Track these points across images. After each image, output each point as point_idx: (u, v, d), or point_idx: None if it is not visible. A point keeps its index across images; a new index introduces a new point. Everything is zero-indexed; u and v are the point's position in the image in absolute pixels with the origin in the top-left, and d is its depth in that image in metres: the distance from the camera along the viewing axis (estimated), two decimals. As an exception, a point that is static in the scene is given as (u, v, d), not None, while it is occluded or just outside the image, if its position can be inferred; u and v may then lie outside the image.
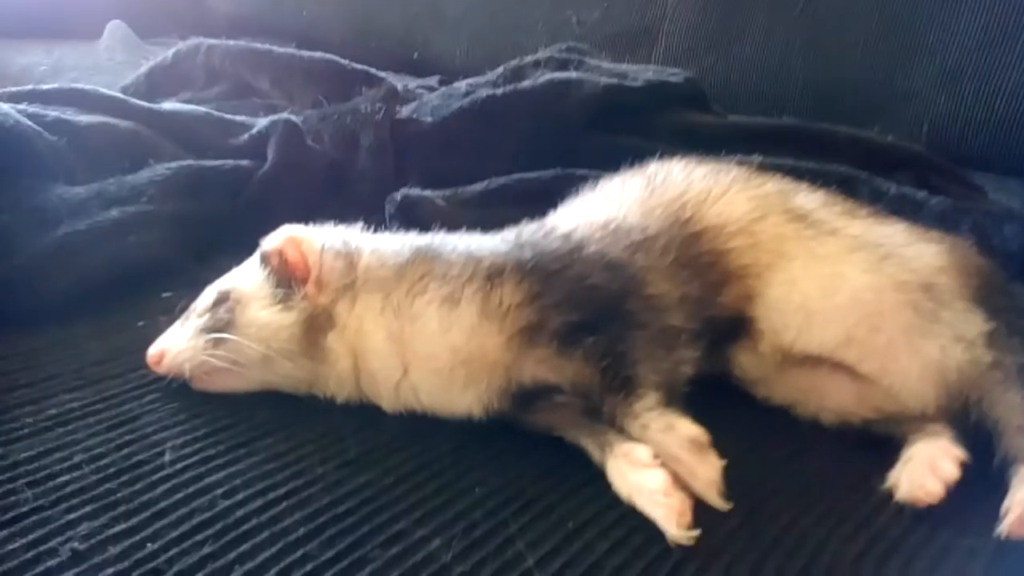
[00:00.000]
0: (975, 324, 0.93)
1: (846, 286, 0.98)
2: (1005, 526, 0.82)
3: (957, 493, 0.86)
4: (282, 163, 1.41)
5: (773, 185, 1.07)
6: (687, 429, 0.85)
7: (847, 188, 1.25)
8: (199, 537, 0.73)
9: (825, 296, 0.98)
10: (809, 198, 1.06)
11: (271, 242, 0.97)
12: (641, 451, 0.83)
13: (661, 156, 1.31)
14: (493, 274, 0.92)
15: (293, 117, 1.47)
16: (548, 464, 0.87)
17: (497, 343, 0.91)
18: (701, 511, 0.81)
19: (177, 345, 0.94)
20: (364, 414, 0.94)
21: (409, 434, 0.91)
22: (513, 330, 0.91)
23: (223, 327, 0.93)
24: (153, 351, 0.95)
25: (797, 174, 1.22)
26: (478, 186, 1.37)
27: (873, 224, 1.04)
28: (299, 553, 0.72)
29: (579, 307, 0.91)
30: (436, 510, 0.79)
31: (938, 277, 0.97)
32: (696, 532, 0.78)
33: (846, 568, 0.78)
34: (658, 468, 0.82)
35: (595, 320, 0.91)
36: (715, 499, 0.83)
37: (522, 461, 0.88)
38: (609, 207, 1.05)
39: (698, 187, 1.05)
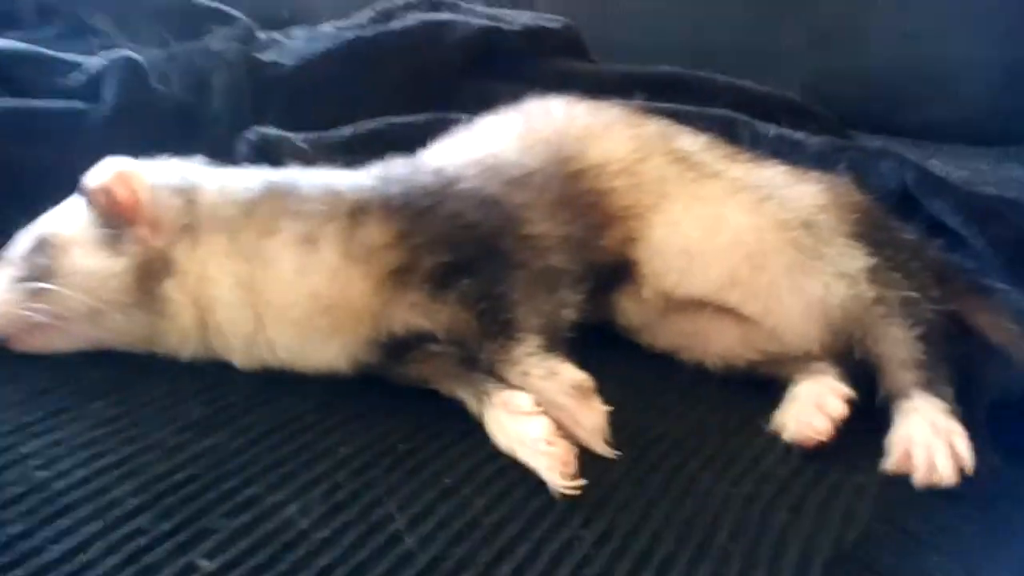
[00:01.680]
0: (856, 259, 0.92)
1: (727, 227, 0.95)
2: (891, 462, 0.81)
3: (844, 432, 0.84)
4: (122, 105, 1.26)
5: (655, 126, 1.04)
6: (571, 374, 0.79)
7: (727, 131, 1.23)
8: (7, 515, 0.63)
9: (707, 238, 0.95)
10: (691, 140, 1.04)
11: (95, 178, 0.85)
12: (521, 398, 0.77)
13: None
14: (357, 211, 0.84)
15: (135, 55, 1.32)
16: (420, 420, 0.80)
17: (363, 288, 0.82)
18: (585, 460, 0.75)
19: None
20: (213, 372, 0.84)
21: (264, 392, 0.82)
22: (381, 273, 0.82)
23: (42, 276, 0.81)
24: None
25: (678, 118, 1.19)
26: (345, 130, 1.27)
27: (754, 167, 1.02)
28: (129, 527, 0.62)
29: (453, 246, 0.84)
30: (293, 473, 0.71)
31: (818, 215, 0.95)
32: (581, 482, 0.72)
33: (735, 512, 0.74)
34: (540, 416, 0.76)
35: (470, 260, 0.84)
36: (600, 446, 0.77)
37: (391, 418, 0.80)
38: (484, 143, 0.99)
39: (580, 124, 1.01)
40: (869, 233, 0.94)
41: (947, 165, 1.83)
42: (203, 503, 0.66)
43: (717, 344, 0.96)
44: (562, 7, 2.11)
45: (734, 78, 1.64)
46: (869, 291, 0.90)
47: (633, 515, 0.71)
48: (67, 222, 0.86)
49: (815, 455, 0.82)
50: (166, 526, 0.63)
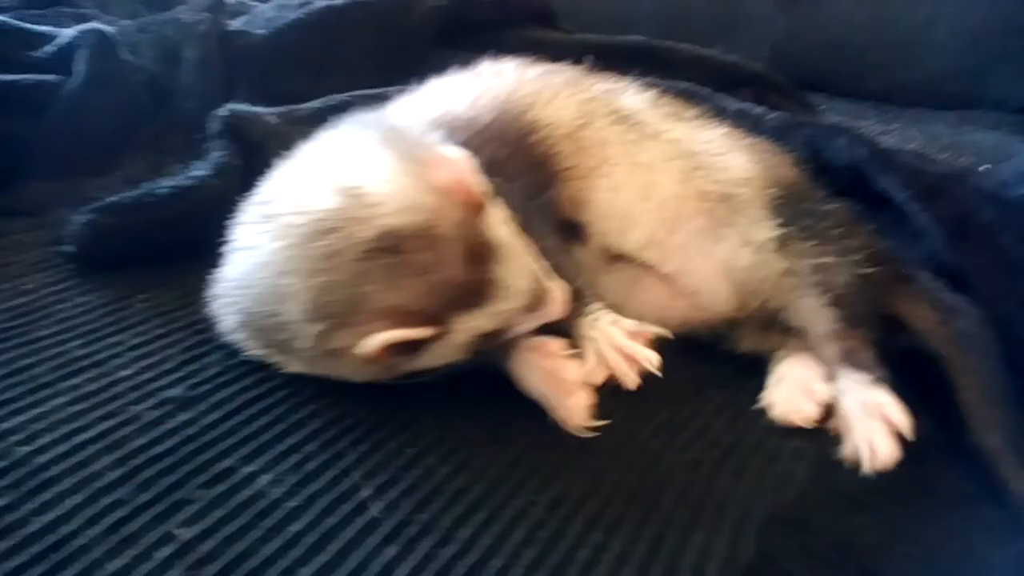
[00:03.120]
0: (765, 229, 0.97)
1: (657, 193, 1.00)
2: (845, 454, 0.85)
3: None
4: (93, 78, 1.27)
5: (601, 87, 1.07)
6: (629, 321, 0.91)
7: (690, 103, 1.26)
8: (-8, 489, 0.66)
9: (640, 201, 1.00)
10: (636, 98, 1.06)
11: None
12: (556, 343, 0.84)
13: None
14: None
15: (105, 27, 1.33)
16: (387, 394, 0.83)
17: None
18: (527, 430, 0.81)
19: None
20: (189, 349, 0.86)
21: (238, 368, 0.84)
22: None
23: None
24: None
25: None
26: (315, 103, 1.28)
27: (696, 128, 1.06)
28: (109, 499, 0.66)
29: None
30: (266, 445, 0.75)
31: (739, 188, 1.00)
32: (601, 423, 0.81)
33: (682, 476, 0.79)
34: (574, 360, 0.84)
35: None
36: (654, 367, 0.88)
37: (360, 392, 0.83)
38: (439, 102, 1.01)
39: (529, 88, 1.03)
40: (787, 206, 0.98)
41: (908, 129, 1.89)
42: (180, 475, 0.70)
43: (649, 303, 1.00)
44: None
45: (701, 48, 1.66)
46: (778, 261, 0.95)
47: (585, 481, 0.76)
48: None
49: (757, 421, 0.88)
50: (145, 497, 0.67)
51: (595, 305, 0.93)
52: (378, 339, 0.72)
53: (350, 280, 0.72)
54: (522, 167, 0.95)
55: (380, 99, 1.31)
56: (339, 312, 0.73)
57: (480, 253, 0.75)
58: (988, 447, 0.86)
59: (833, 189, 1.10)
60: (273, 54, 1.43)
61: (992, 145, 1.77)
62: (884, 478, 0.83)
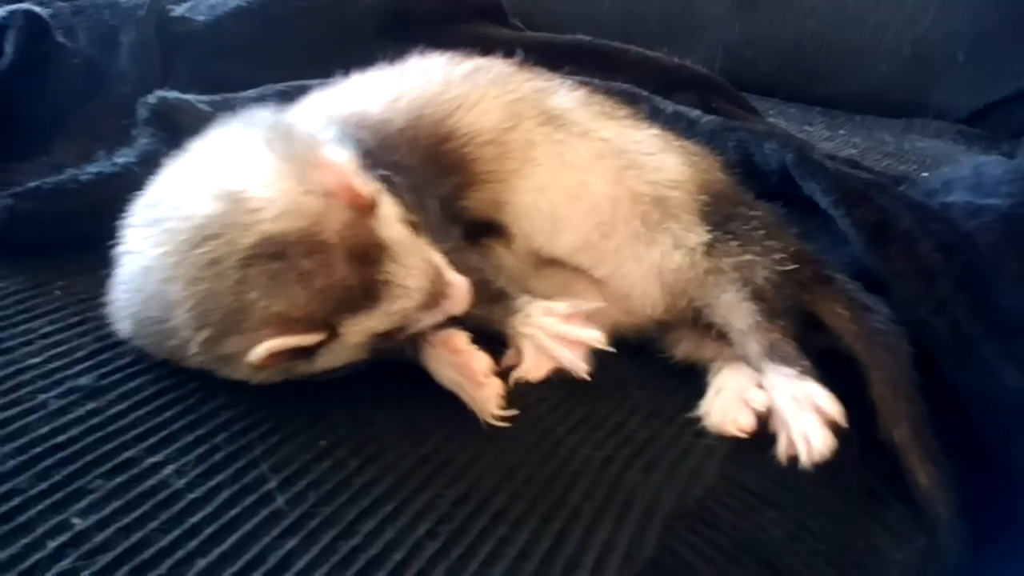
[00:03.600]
0: (695, 235, 0.98)
1: (588, 195, 1.00)
2: (779, 453, 0.86)
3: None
4: (23, 60, 1.25)
5: (531, 86, 1.06)
6: (563, 305, 0.92)
7: (629, 104, 1.27)
8: None
9: (570, 203, 1.00)
10: (567, 97, 1.06)
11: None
12: (460, 337, 0.85)
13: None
14: None
15: (36, 8, 1.30)
16: (302, 385, 0.82)
17: None
18: (444, 423, 0.82)
19: None
20: (101, 338, 0.85)
21: (150, 358, 0.83)
22: None
23: None
24: None
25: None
26: (251, 92, 1.27)
27: (627, 127, 1.06)
28: (5, 487, 0.66)
29: None
30: (173, 436, 0.74)
31: (672, 191, 1.01)
32: (512, 412, 0.83)
33: (593, 472, 0.80)
34: (479, 352, 0.85)
35: None
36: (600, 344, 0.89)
37: (275, 384, 0.83)
38: (354, 100, 1.00)
39: (454, 91, 1.03)
40: (716, 211, 0.99)
41: (854, 135, 1.93)
42: (80, 464, 0.69)
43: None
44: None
45: (647, 50, 1.68)
46: (704, 263, 0.97)
47: (496, 476, 0.77)
48: None
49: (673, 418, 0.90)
50: (43, 486, 0.66)
51: (522, 300, 0.93)
52: (264, 348, 0.71)
53: (233, 288, 0.71)
54: (432, 173, 0.96)
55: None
56: (224, 320, 0.72)
57: (369, 254, 0.75)
58: (896, 440, 0.89)
59: (764, 192, 1.12)
60: (213, 41, 1.42)
61: (934, 153, 1.82)
62: (792, 475, 0.84)
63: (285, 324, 0.71)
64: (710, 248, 0.97)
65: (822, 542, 0.81)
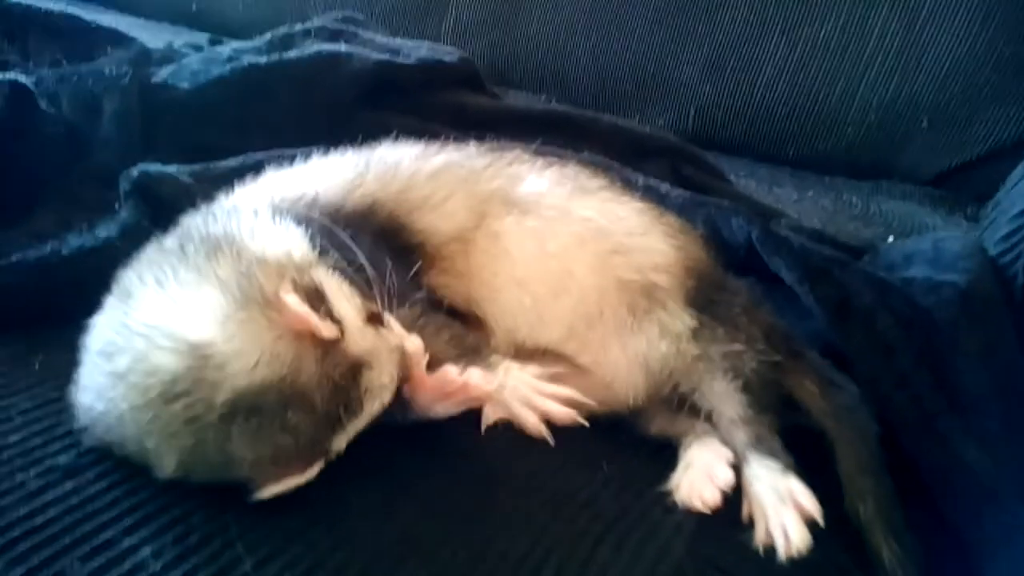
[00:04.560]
0: (683, 322, 1.01)
1: (574, 286, 1.02)
2: (757, 540, 0.88)
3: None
4: (9, 128, 1.27)
5: (499, 182, 1.06)
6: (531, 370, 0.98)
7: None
8: None
9: (555, 296, 1.02)
10: (537, 183, 1.07)
11: None
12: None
13: (431, 136, 1.31)
14: None
15: (22, 77, 1.33)
16: None
17: None
18: (417, 498, 0.83)
19: None
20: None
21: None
22: None
23: None
24: None
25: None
26: (232, 161, 1.30)
27: (607, 201, 1.08)
28: (-19, 573, 0.66)
29: None
30: (151, 516, 0.75)
31: (661, 277, 1.03)
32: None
33: (565, 548, 0.82)
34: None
35: None
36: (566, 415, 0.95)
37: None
38: (308, 181, 1.02)
39: (420, 192, 1.03)
40: (701, 295, 1.02)
41: (822, 197, 1.97)
42: (59, 547, 0.70)
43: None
44: (472, 30, 2.20)
45: (619, 119, 1.74)
46: (692, 349, 0.99)
47: (467, 555, 0.78)
48: None
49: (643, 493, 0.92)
50: (19, 571, 0.67)
51: (496, 356, 0.96)
52: (262, 494, 0.74)
53: (216, 442, 0.71)
54: (388, 252, 0.95)
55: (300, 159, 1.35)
56: (213, 469, 0.74)
57: (345, 377, 0.76)
58: (861, 516, 0.92)
59: (733, 263, 1.16)
60: (195, 109, 1.45)
61: (900, 215, 1.86)
62: (756, 553, 0.87)
63: (278, 469, 0.74)
64: (696, 333, 0.99)
65: (785, 620, 0.83)
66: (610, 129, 1.64)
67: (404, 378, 0.84)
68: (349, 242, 0.88)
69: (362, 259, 0.87)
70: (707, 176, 1.64)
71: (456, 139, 1.46)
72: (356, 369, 0.77)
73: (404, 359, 0.83)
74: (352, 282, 0.84)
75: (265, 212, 0.89)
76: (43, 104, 1.35)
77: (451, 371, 0.88)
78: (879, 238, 1.63)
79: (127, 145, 1.37)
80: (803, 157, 2.17)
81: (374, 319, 0.83)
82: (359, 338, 0.79)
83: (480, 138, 1.49)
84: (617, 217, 1.07)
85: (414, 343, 0.84)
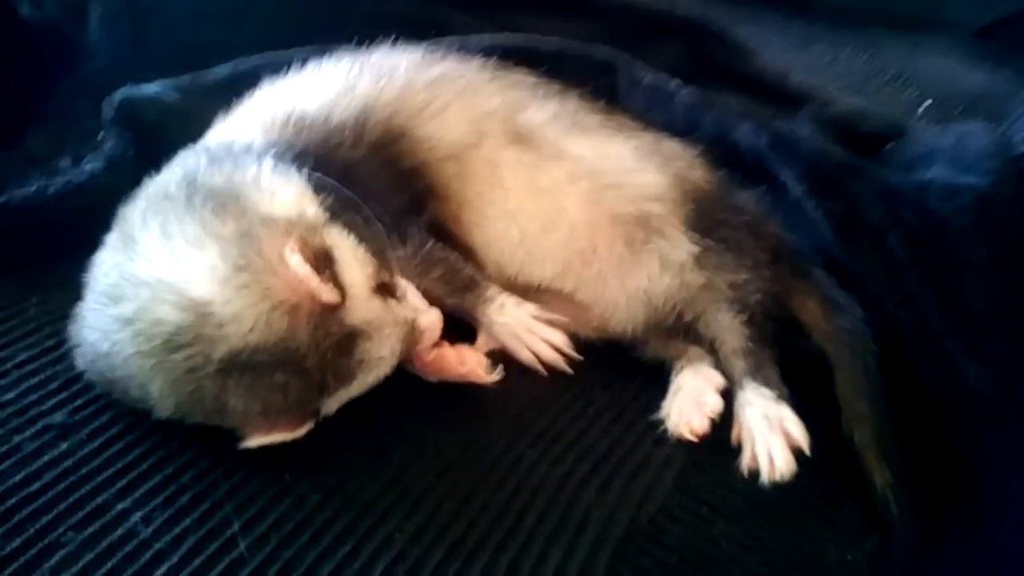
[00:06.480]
0: (684, 249, 0.97)
1: (565, 222, 0.98)
2: (744, 464, 0.88)
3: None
4: (-10, 45, 1.23)
5: (501, 99, 1.03)
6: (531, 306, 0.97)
7: (605, 75, 1.24)
8: None
9: (545, 232, 0.99)
10: (539, 112, 1.03)
11: None
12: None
13: (438, 28, 1.26)
14: None
15: (0, -13, 1.27)
16: None
17: None
18: (405, 447, 0.84)
19: None
20: (77, 375, 0.85)
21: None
22: None
23: None
24: None
25: (559, 59, 1.21)
26: (222, 69, 1.24)
27: (604, 140, 1.03)
28: (-19, 546, 0.70)
29: None
30: (141, 477, 0.77)
31: (654, 206, 0.99)
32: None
33: (549, 492, 0.83)
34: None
35: None
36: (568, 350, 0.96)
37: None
38: (301, 97, 0.99)
39: (418, 98, 1.00)
40: (703, 219, 0.98)
41: (857, 56, 1.85)
42: (53, 515, 0.73)
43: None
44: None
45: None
46: (697, 278, 0.96)
47: (454, 503, 0.80)
48: None
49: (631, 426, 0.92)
50: (17, 542, 0.70)
51: (493, 289, 0.95)
52: (249, 443, 0.76)
53: (212, 392, 0.73)
54: (383, 177, 0.94)
55: (290, 64, 1.29)
56: (208, 415, 0.76)
57: (342, 344, 0.76)
58: (856, 440, 0.92)
59: (741, 168, 1.11)
60: (186, 6, 1.38)
61: (939, 75, 1.75)
62: (746, 482, 0.87)
63: (267, 423, 0.76)
64: (699, 259, 0.97)
65: (770, 550, 0.84)
66: (620, 6, 1.52)
67: (410, 351, 0.84)
68: (352, 196, 0.85)
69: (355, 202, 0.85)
70: (729, 55, 1.53)
71: (464, 24, 1.40)
72: (352, 339, 0.77)
73: (413, 333, 0.83)
74: (368, 244, 0.83)
75: (268, 162, 0.86)
76: (25, 10, 1.30)
77: (451, 356, 0.89)
78: (914, 103, 1.56)
79: (117, 49, 1.32)
80: (839, 7, 2.03)
81: (385, 289, 0.82)
82: (362, 307, 0.79)
83: (486, 18, 1.43)
84: (611, 155, 1.02)
85: (428, 319, 0.84)
